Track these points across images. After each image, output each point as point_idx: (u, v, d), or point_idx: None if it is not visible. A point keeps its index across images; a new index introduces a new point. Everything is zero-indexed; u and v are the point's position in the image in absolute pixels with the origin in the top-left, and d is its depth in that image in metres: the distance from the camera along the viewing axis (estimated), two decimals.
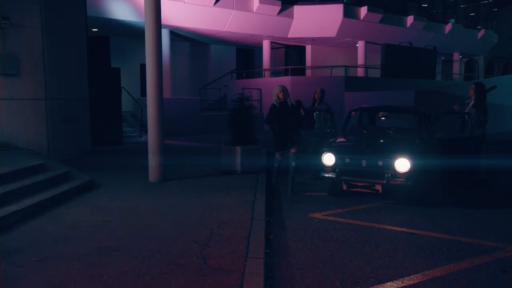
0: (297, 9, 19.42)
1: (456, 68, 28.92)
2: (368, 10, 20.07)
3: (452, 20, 26.13)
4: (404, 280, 3.66)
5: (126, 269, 3.70)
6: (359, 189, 6.17)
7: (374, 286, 3.54)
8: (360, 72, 22.19)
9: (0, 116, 8.36)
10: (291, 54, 25.41)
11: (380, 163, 6.01)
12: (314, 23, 19.64)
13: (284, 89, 6.94)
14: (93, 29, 16.47)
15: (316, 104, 9.00)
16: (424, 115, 7.15)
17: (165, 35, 17.22)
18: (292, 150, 6.89)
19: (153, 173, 7.41)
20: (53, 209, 5.66)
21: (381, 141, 6.61)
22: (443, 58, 30.01)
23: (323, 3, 19.52)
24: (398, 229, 5.07)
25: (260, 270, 3.64)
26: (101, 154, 10.34)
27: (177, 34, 19.01)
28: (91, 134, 10.60)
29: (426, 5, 25.02)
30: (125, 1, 15.19)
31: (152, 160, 7.38)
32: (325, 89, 9.35)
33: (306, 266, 3.93)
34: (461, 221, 5.45)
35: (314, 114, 8.83)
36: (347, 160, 6.24)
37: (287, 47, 24.56)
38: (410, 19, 22.59)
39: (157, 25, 7.24)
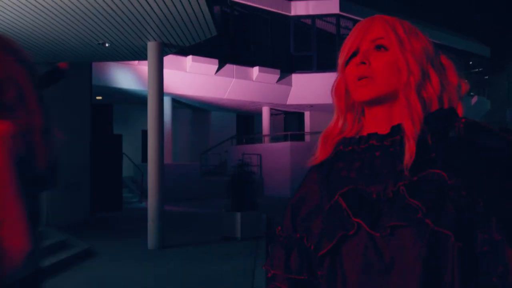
0: (295, 77, 20.11)
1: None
2: None
3: None
4: None
5: None
6: None
7: None
8: None
9: None
10: (290, 120, 25.93)
11: None
12: (312, 91, 20.25)
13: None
14: (97, 97, 16.94)
15: None
16: None
17: (167, 102, 17.68)
18: None
19: (152, 240, 7.30)
20: (49, 278, 5.52)
21: None
22: None
23: (321, 71, 20.24)
24: None
25: None
26: (100, 220, 10.23)
27: (178, 102, 19.54)
28: (91, 200, 10.56)
29: None
30: (129, 71, 15.79)
31: (152, 227, 7.31)
32: None
33: None
34: None
35: None
36: None
37: (286, 113, 25.12)
38: None
39: (160, 93, 7.50)
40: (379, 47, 0.87)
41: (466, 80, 0.92)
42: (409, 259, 0.76)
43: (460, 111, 0.89)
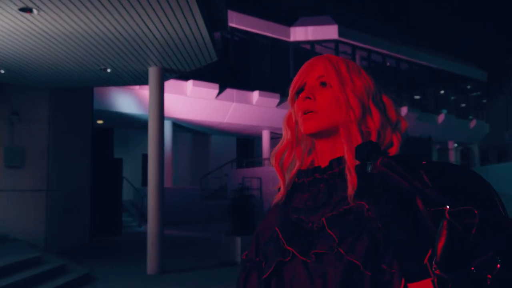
0: None
1: (452, 156, 29.39)
2: None
3: (445, 111, 27.13)
4: None
5: None
6: None
7: None
8: None
9: (1, 207, 8.35)
10: None
11: None
12: None
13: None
14: (98, 121, 17.02)
15: None
16: None
17: (167, 126, 17.76)
18: None
19: (151, 265, 7.22)
20: None
21: None
22: (438, 146, 30.64)
23: None
24: None
25: None
26: (99, 245, 10.13)
27: (179, 126, 19.62)
28: (90, 224, 10.49)
29: (418, 97, 26.17)
30: (131, 95, 15.92)
31: (151, 251, 7.24)
32: None
33: None
34: None
35: None
36: None
37: None
38: (404, 110, 23.44)
39: (160, 117, 7.56)
40: (323, 84, 0.93)
41: (404, 118, 0.96)
42: (331, 284, 0.82)
43: (396, 144, 0.92)
